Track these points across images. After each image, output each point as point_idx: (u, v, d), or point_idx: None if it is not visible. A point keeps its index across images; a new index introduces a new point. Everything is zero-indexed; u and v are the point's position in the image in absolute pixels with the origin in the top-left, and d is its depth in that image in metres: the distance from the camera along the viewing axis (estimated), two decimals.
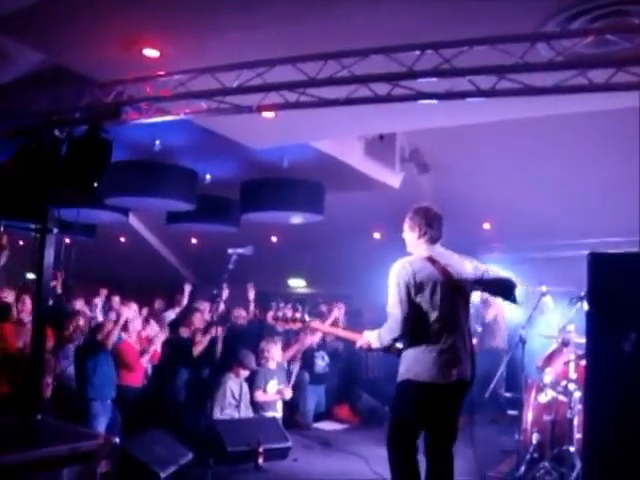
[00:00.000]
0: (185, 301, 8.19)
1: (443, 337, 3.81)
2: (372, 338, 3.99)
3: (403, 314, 3.79)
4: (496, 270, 4.21)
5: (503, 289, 4.21)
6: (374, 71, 3.75)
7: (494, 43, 3.40)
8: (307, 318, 4.41)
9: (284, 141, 7.36)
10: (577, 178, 8.35)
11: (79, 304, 7.38)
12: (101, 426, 6.05)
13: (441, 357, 3.78)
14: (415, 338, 3.84)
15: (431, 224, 4.03)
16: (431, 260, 3.94)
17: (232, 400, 6.71)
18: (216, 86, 4.14)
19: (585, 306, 5.24)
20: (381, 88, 3.85)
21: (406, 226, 4.10)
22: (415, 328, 3.82)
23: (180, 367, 7.25)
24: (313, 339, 8.13)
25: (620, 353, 3.82)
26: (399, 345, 3.93)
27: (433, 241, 4.04)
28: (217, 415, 6.50)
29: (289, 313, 4.46)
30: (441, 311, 3.83)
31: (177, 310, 8.16)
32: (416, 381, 3.80)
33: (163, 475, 5.06)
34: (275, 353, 7.30)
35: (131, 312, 6.94)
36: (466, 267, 4.08)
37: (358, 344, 4.12)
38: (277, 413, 7.12)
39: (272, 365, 7.26)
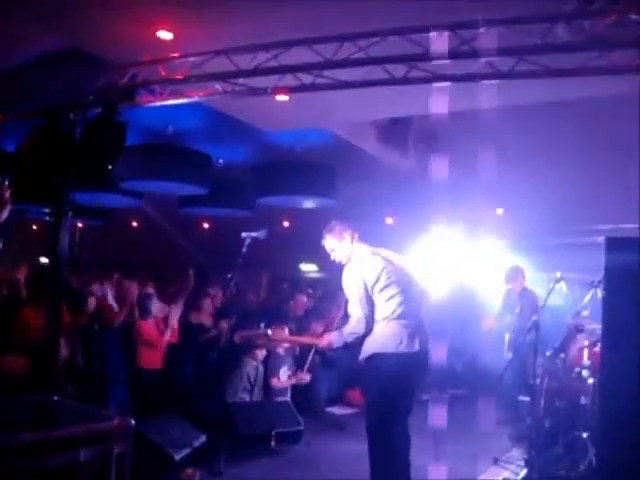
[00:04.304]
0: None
1: (404, 314, 4.08)
2: (334, 339, 4.25)
3: (365, 312, 4.05)
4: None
5: None
6: (390, 53, 3.71)
7: (513, 24, 3.35)
8: (269, 332, 4.80)
9: (298, 124, 7.32)
10: (592, 165, 8.26)
11: (95, 288, 7.39)
12: (112, 408, 6.08)
13: (404, 330, 4.04)
14: (379, 318, 4.09)
15: (350, 227, 4.35)
16: (375, 253, 4.23)
17: (247, 384, 6.74)
18: (231, 68, 4.12)
19: (599, 292, 5.24)
20: (397, 70, 3.81)
21: (333, 242, 4.35)
22: (378, 310, 4.09)
23: (189, 351, 7.27)
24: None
25: (636, 338, 3.81)
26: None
27: (361, 239, 4.33)
28: (231, 398, 6.54)
29: (252, 332, 4.97)
30: (398, 293, 4.10)
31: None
32: (383, 353, 4.03)
33: (177, 457, 5.10)
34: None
35: (136, 290, 6.95)
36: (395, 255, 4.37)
37: (320, 345, 4.44)
38: (286, 397, 7.16)
39: (281, 351, 7.28)
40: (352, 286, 4.09)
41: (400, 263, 4.30)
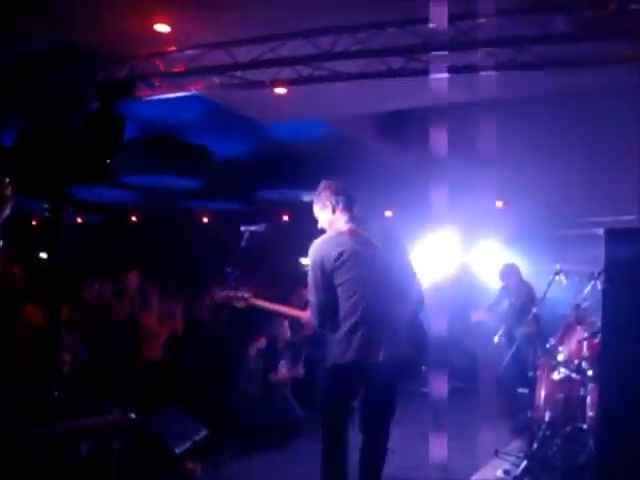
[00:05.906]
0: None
1: (364, 316, 3.44)
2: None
3: (319, 300, 3.49)
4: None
5: None
6: (389, 45, 3.69)
7: (511, 14, 3.34)
8: (246, 295, 4.16)
9: (297, 116, 7.30)
10: (591, 156, 8.25)
11: (96, 283, 7.38)
12: (114, 402, 6.09)
13: (363, 336, 3.42)
14: (339, 318, 3.50)
15: (340, 193, 3.70)
16: (351, 232, 3.58)
17: (249, 376, 6.74)
18: (229, 61, 4.11)
19: (599, 284, 5.23)
20: (396, 62, 3.80)
21: (317, 209, 3.76)
22: (339, 307, 3.48)
23: (189, 346, 7.28)
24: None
25: (636, 329, 3.80)
26: None
27: (350, 211, 3.69)
28: (233, 391, 6.54)
29: (232, 292, 4.22)
30: (365, 288, 3.46)
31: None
32: (339, 363, 3.48)
33: (177, 451, 5.10)
34: (284, 332, 7.30)
35: (136, 282, 6.90)
36: (396, 240, 3.77)
37: (304, 320, 3.96)
38: (287, 391, 7.16)
39: (280, 344, 7.28)
40: (310, 268, 3.51)
41: (383, 254, 3.57)
